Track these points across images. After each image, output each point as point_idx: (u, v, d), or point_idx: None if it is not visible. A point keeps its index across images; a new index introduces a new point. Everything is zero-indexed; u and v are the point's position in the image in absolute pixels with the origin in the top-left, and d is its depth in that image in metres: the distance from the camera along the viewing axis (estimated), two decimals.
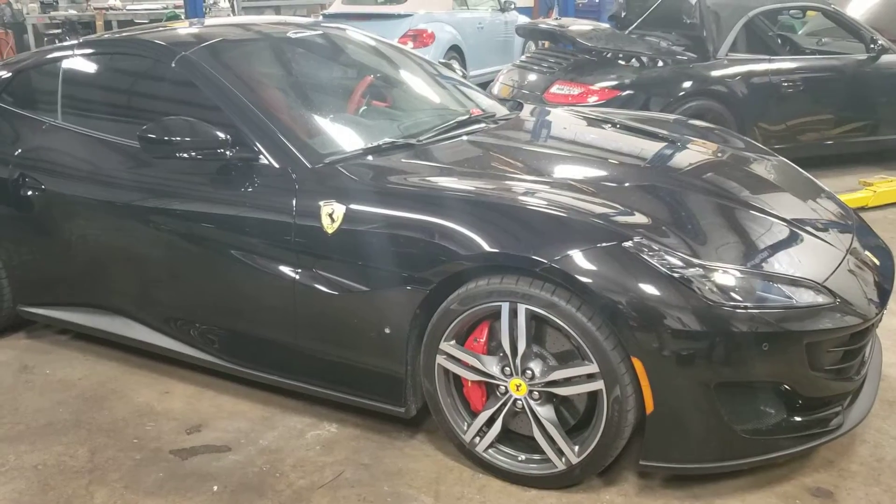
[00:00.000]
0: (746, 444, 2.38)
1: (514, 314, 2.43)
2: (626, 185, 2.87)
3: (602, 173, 3.05)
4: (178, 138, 2.83)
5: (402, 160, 2.97)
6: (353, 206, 2.67)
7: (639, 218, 2.55)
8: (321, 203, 2.71)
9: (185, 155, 2.86)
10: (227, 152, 2.86)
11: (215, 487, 2.61)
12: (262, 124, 2.93)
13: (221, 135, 2.84)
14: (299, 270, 2.75)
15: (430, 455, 2.75)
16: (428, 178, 2.83)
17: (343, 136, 3.19)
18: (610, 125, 3.71)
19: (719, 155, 3.41)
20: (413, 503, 2.51)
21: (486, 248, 2.44)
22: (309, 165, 2.83)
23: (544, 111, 3.97)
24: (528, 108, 3.93)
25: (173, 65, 3.19)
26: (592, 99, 5.82)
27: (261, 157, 2.88)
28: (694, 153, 3.36)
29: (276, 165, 2.86)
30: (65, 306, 3.51)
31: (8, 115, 3.62)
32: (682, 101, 5.86)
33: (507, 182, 2.81)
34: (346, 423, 2.94)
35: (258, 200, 2.86)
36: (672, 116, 4.31)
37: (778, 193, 3.07)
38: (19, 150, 3.48)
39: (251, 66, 3.40)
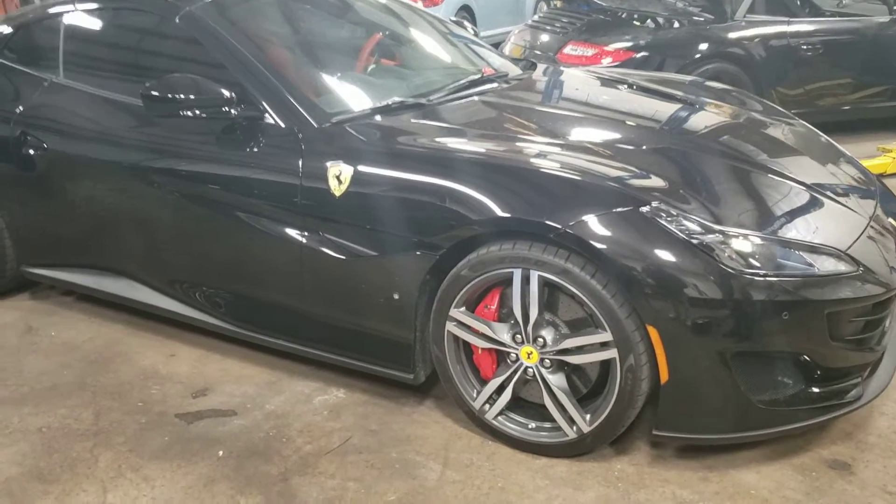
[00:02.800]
0: (763, 415, 2.32)
1: (526, 281, 2.37)
2: (643, 147, 2.78)
3: (617, 135, 2.95)
4: (182, 96, 2.75)
5: (412, 120, 2.89)
6: (361, 168, 2.60)
7: (656, 182, 2.47)
8: (328, 164, 2.63)
9: (189, 113, 2.78)
10: (232, 111, 2.78)
11: (221, 452, 2.58)
12: (268, 82, 2.85)
13: (226, 92, 2.76)
14: (306, 234, 2.69)
15: (438, 422, 2.71)
16: (438, 139, 2.75)
17: (351, 95, 3.09)
18: (625, 86, 3.61)
19: (737, 117, 3.32)
20: (422, 470, 2.48)
21: (498, 212, 2.37)
22: (315, 125, 2.75)
23: (558, 71, 3.86)
24: (541, 67, 3.83)
25: (177, 20, 3.10)
26: (606, 60, 5.70)
27: (266, 115, 2.81)
28: (711, 115, 3.26)
29: (282, 125, 2.78)
30: (69, 267, 3.47)
31: (9, 71, 3.55)
32: (698, 64, 5.74)
33: (519, 144, 2.73)
34: (354, 389, 2.90)
35: (264, 161, 2.79)
36: (688, 78, 4.20)
37: (797, 157, 2.98)
38: (21, 108, 3.41)
39: (257, 23, 3.30)
